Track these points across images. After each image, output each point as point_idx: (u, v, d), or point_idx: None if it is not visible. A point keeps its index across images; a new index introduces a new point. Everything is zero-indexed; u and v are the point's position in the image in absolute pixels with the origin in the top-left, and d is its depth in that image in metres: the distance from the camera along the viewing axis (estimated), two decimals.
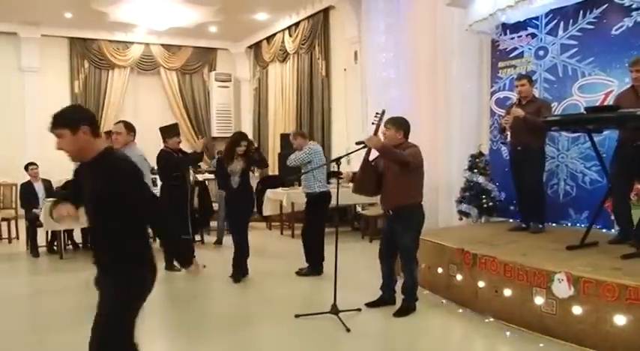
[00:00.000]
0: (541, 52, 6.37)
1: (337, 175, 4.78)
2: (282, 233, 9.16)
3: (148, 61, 13.63)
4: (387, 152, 4.26)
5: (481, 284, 4.48)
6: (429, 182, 7.83)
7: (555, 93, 6.10)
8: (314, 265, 6.25)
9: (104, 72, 13.20)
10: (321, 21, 10.69)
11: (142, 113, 13.34)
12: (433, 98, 7.64)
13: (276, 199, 8.99)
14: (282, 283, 5.93)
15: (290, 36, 11.81)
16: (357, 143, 4.42)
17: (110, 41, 13.09)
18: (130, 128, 5.46)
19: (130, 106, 13.49)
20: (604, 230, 5.48)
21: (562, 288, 3.77)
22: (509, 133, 5.65)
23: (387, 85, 8.69)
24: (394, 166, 4.32)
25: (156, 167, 6.62)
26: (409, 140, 4.54)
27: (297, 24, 11.51)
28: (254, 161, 6.18)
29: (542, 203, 5.64)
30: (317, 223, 6.29)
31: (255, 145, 7.04)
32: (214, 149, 13.18)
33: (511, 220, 6.52)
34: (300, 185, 8.98)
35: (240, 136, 6.03)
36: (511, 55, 6.74)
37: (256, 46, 13.67)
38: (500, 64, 6.87)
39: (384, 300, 4.78)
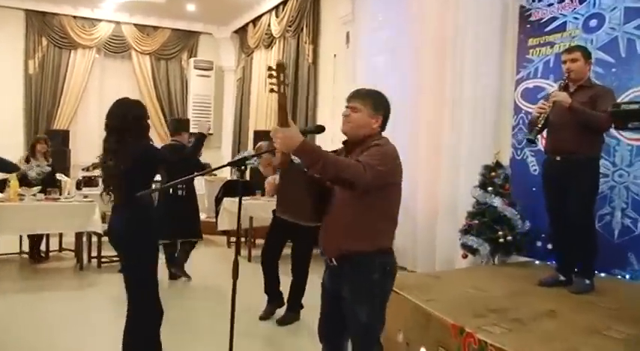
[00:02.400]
0: (593, 23, 4.42)
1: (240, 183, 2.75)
2: (239, 253, 7.27)
3: (118, 42, 11.86)
4: (311, 161, 2.07)
5: None
6: (427, 202, 6.01)
7: (614, 81, 4.14)
8: (293, 307, 4.47)
9: (65, 52, 11.44)
10: None
11: (108, 101, 11.45)
12: (440, 89, 5.73)
13: (233, 211, 7.10)
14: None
15: (277, 17, 10.06)
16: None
17: (74, 17, 11.36)
18: None
19: (94, 92, 11.77)
20: None
21: None
22: (540, 127, 3.67)
23: (384, 72, 6.85)
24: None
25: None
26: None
27: (284, 2, 9.78)
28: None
29: (593, 246, 3.64)
30: (305, 250, 4.49)
31: None
32: None
33: (537, 262, 4.58)
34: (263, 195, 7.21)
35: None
36: (547, 29, 4.79)
37: (242, 31, 11.93)
38: (531, 42, 4.93)
39: None
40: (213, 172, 9.49)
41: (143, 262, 3.16)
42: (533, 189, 4.66)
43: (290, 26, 9.50)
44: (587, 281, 3.58)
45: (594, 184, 3.62)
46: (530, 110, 4.84)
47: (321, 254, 2.46)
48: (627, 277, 4.01)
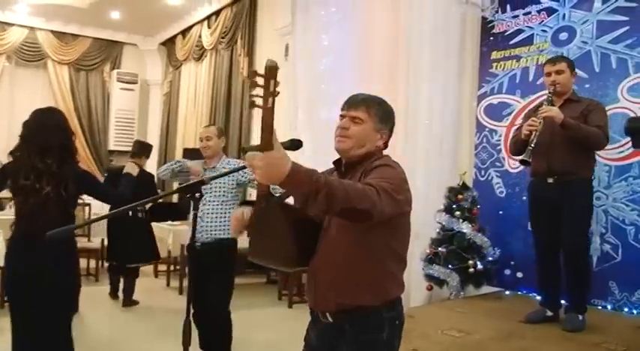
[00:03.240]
0: (563, 36, 4.17)
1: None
2: (168, 284, 6.53)
3: (32, 50, 10.84)
4: (309, 192, 1.42)
5: None
6: None
7: (588, 96, 3.86)
8: None
9: None
10: (247, 8, 8.41)
11: (20, 114, 10.34)
12: (391, 104, 5.31)
13: (161, 237, 6.38)
14: None
15: (209, 28, 9.46)
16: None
17: None
18: None
19: (3, 104, 10.66)
20: None
21: None
22: (533, 146, 3.25)
23: (327, 87, 6.40)
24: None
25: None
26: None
27: (217, 13, 9.20)
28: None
29: (587, 277, 3.29)
30: (226, 285, 3.55)
31: None
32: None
33: (507, 292, 4.22)
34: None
35: None
36: (513, 41, 4.51)
37: (170, 43, 11.23)
38: (495, 55, 4.63)
39: None
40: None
41: (72, 304, 2.76)
42: (500, 212, 4.35)
43: (223, 37, 8.92)
44: (580, 317, 3.21)
45: (590, 208, 3.29)
46: (494, 128, 4.54)
47: (309, 306, 1.89)
48: (609, 307, 3.71)
